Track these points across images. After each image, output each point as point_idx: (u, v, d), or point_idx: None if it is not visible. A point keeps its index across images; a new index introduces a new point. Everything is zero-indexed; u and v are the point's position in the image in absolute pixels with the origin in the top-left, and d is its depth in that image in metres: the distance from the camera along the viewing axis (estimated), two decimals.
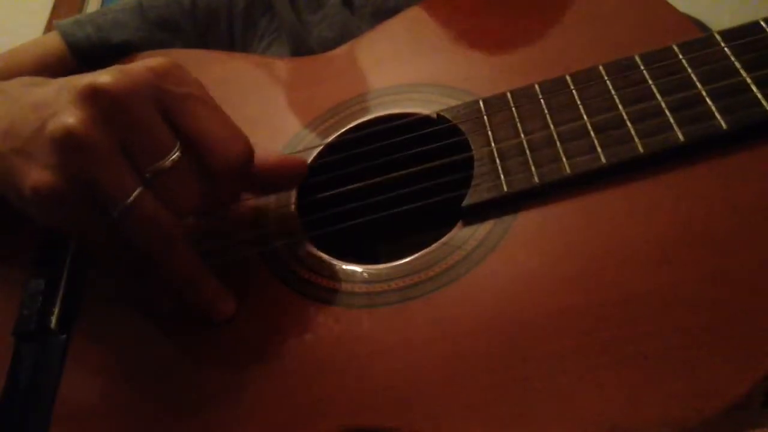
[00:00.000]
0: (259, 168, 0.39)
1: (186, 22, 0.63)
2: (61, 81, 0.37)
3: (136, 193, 0.34)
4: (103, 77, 0.34)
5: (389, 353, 0.34)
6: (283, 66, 0.55)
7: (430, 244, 0.38)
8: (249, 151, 0.37)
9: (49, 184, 0.34)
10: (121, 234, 0.35)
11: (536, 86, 0.41)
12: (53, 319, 0.42)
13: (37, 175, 0.34)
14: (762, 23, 0.38)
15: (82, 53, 0.60)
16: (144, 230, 0.34)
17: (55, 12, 1.57)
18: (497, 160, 0.39)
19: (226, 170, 0.36)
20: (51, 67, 0.60)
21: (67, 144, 0.33)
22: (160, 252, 0.35)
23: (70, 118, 0.33)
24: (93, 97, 0.33)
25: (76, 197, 0.34)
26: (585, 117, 0.38)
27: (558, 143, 0.38)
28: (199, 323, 0.39)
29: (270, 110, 0.51)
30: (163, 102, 0.35)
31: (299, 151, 0.46)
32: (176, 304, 0.40)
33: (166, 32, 0.62)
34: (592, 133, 0.38)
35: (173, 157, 0.35)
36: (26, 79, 0.41)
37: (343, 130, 0.47)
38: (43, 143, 0.34)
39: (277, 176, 0.41)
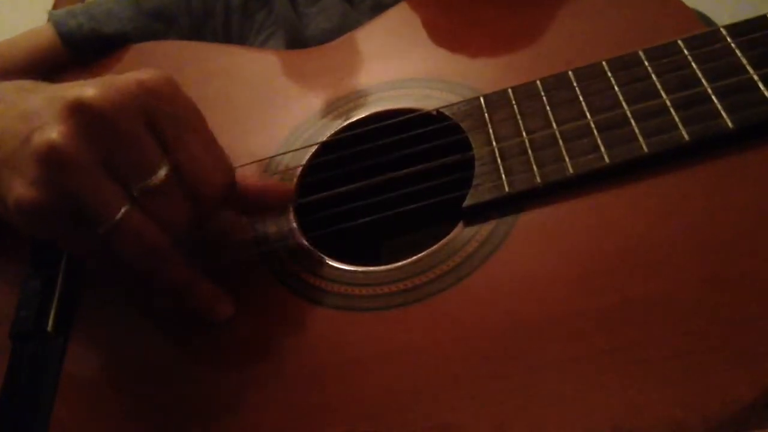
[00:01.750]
0: (244, 193, 0.39)
1: (182, 14, 0.62)
2: (50, 90, 0.36)
3: (122, 211, 0.33)
4: (90, 91, 0.33)
5: (392, 357, 0.34)
6: (279, 59, 0.54)
7: (430, 242, 0.38)
8: (230, 181, 0.37)
9: (31, 200, 0.33)
10: (109, 248, 0.34)
11: (538, 83, 0.41)
12: (50, 321, 0.42)
13: (20, 189, 0.33)
14: None
15: (74, 44, 0.59)
16: (132, 247, 0.34)
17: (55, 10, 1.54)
18: (498, 160, 0.38)
19: (206, 196, 0.36)
20: (44, 58, 0.59)
21: (49, 160, 0.32)
22: (150, 266, 0.35)
23: (53, 132, 0.32)
24: (79, 111, 0.33)
25: (60, 213, 0.33)
26: (588, 115, 0.38)
27: (561, 142, 0.37)
28: (199, 326, 0.39)
29: (266, 105, 0.50)
30: (151, 118, 0.34)
31: (296, 149, 0.46)
32: (174, 307, 0.39)
33: (160, 24, 0.61)
34: (595, 132, 0.37)
35: (160, 175, 0.34)
36: (21, 83, 0.40)
37: (341, 126, 0.46)
38: (28, 157, 0.33)
39: (263, 202, 0.41)
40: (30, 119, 0.34)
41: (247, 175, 0.39)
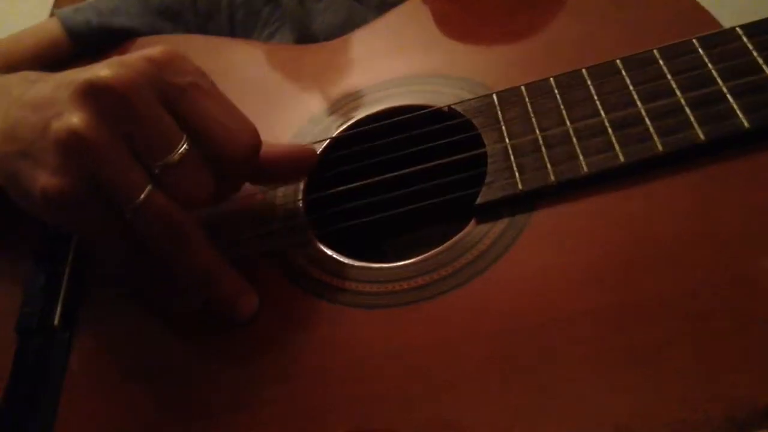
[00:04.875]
0: (268, 159, 0.38)
1: (187, 10, 0.62)
2: (59, 77, 0.36)
3: (146, 191, 0.33)
4: (102, 72, 0.33)
5: (401, 354, 0.34)
6: (287, 54, 0.54)
7: (437, 239, 0.37)
8: (257, 140, 0.36)
9: (58, 189, 0.33)
10: (136, 233, 0.34)
11: (551, 80, 0.40)
12: (56, 317, 0.41)
13: (45, 179, 0.33)
14: None
15: (81, 38, 0.59)
16: (157, 227, 0.33)
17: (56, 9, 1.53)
18: (512, 157, 0.38)
19: (235, 160, 0.35)
20: (50, 53, 0.59)
21: (72, 146, 0.32)
22: (176, 248, 0.35)
23: (73, 118, 0.32)
24: (93, 93, 0.32)
25: (87, 199, 0.33)
26: (602, 113, 0.37)
27: (575, 140, 0.37)
28: (207, 322, 0.38)
29: (273, 101, 0.50)
30: (165, 93, 0.33)
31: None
32: (195, 305, 0.39)
33: (167, 20, 0.61)
34: (609, 131, 0.37)
35: (181, 150, 0.33)
36: (25, 74, 0.40)
37: (350, 122, 0.46)
38: (48, 146, 0.33)
39: (286, 167, 0.40)
40: (43, 108, 0.34)
41: (269, 141, 0.39)
